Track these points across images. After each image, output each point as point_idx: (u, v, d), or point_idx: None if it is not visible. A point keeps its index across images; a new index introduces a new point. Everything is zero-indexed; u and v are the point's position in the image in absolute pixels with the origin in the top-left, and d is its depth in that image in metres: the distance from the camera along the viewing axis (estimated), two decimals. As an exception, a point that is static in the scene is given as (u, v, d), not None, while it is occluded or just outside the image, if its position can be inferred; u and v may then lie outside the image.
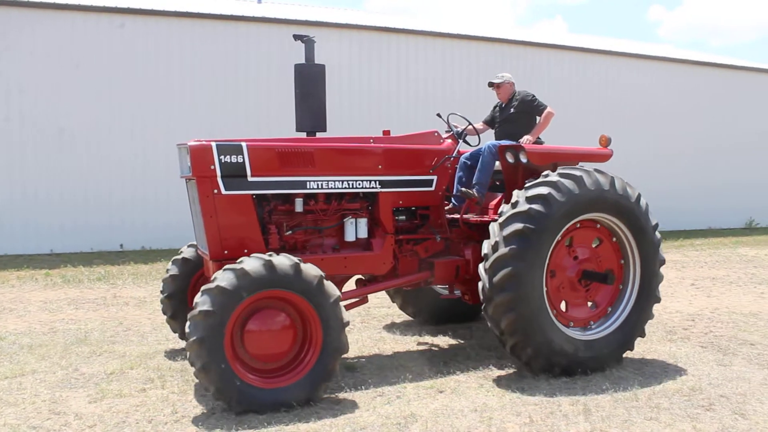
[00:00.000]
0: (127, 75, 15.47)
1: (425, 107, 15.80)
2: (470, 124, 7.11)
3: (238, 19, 16.69)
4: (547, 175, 5.95)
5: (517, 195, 5.89)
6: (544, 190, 5.77)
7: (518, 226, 5.65)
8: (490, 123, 7.55)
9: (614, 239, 6.33)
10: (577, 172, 5.96)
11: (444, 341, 7.26)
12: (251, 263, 4.95)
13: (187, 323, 4.92)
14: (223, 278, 4.88)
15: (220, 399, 4.91)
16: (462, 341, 7.24)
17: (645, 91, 21.35)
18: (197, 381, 5.64)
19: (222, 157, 5.69)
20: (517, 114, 7.21)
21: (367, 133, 7.05)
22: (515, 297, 5.58)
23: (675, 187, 20.80)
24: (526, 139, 6.81)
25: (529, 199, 5.76)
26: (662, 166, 20.94)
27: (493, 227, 5.86)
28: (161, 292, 6.87)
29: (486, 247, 5.84)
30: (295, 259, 5.08)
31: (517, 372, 6.01)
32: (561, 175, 5.92)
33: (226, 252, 5.72)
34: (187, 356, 4.91)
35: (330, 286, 5.14)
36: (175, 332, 7.00)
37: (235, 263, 5.02)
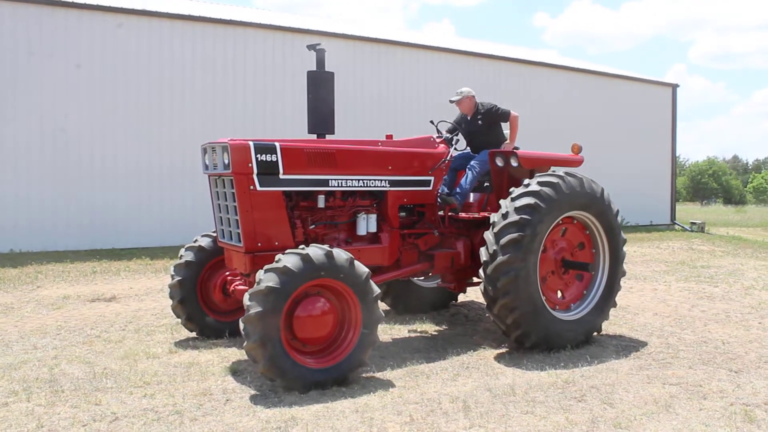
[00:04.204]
0: (127, 76, 15.64)
1: (418, 113, 17.91)
2: (458, 130, 7.84)
3: (239, 24, 17.20)
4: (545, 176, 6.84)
5: (530, 181, 6.78)
6: (554, 180, 6.69)
7: (530, 200, 6.49)
8: (453, 131, 7.98)
9: (587, 231, 7.27)
10: (574, 176, 6.85)
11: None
12: (314, 251, 5.38)
13: (246, 297, 5.21)
14: (288, 260, 5.26)
15: (268, 373, 5.24)
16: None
17: (527, 95, 22.21)
18: (65, 392, 5.36)
19: (258, 155, 6.06)
20: (485, 126, 7.84)
21: (365, 136, 7.71)
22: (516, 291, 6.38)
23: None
24: (509, 146, 7.55)
25: (541, 184, 6.66)
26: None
27: (505, 203, 6.62)
28: (172, 276, 6.99)
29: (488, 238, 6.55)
30: (349, 254, 5.56)
31: (398, 371, 6.06)
32: (553, 179, 6.76)
33: (259, 245, 6.12)
34: (242, 329, 5.18)
35: (361, 266, 5.59)
36: (179, 318, 7.14)
37: (299, 249, 5.41)
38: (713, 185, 79.85)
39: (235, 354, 6.52)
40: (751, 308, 9.17)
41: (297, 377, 5.31)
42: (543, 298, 6.64)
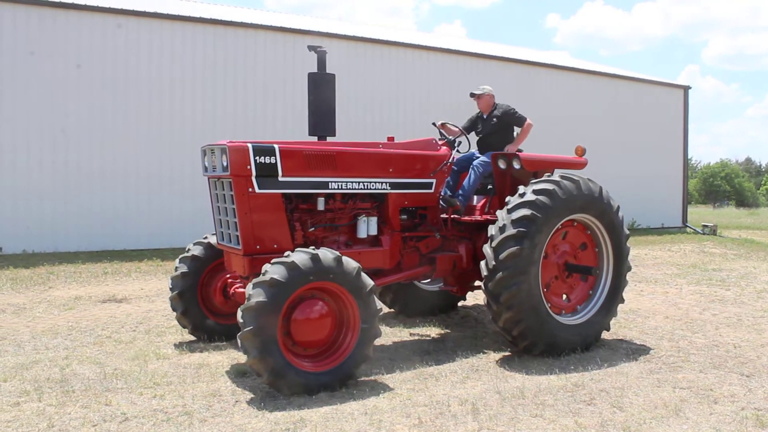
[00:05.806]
0: (127, 75, 15.55)
1: (420, 115, 17.84)
2: (462, 133, 7.77)
3: (240, 26, 17.08)
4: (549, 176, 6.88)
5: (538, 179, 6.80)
6: (549, 186, 6.57)
7: (526, 211, 6.39)
8: (468, 129, 8.03)
9: (588, 231, 7.17)
10: (573, 179, 6.80)
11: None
12: (299, 257, 5.32)
13: (239, 314, 5.19)
14: (274, 271, 5.21)
15: (273, 384, 5.27)
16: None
17: (536, 97, 22.12)
18: (76, 392, 5.39)
19: (257, 157, 6.04)
20: (498, 125, 7.84)
21: (367, 138, 7.70)
22: (519, 300, 6.31)
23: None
24: (512, 148, 7.55)
25: (536, 192, 6.52)
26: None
27: (502, 214, 6.54)
28: (171, 289, 7.02)
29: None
30: (336, 253, 5.52)
31: (406, 373, 6.06)
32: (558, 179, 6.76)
33: (258, 247, 6.11)
34: (240, 345, 5.18)
35: (349, 261, 5.57)
36: (185, 328, 7.17)
37: (284, 257, 5.36)
38: (725, 188, 79.24)
39: (244, 356, 6.52)
40: (764, 312, 9.10)
41: (302, 384, 5.31)
42: (548, 306, 6.58)
